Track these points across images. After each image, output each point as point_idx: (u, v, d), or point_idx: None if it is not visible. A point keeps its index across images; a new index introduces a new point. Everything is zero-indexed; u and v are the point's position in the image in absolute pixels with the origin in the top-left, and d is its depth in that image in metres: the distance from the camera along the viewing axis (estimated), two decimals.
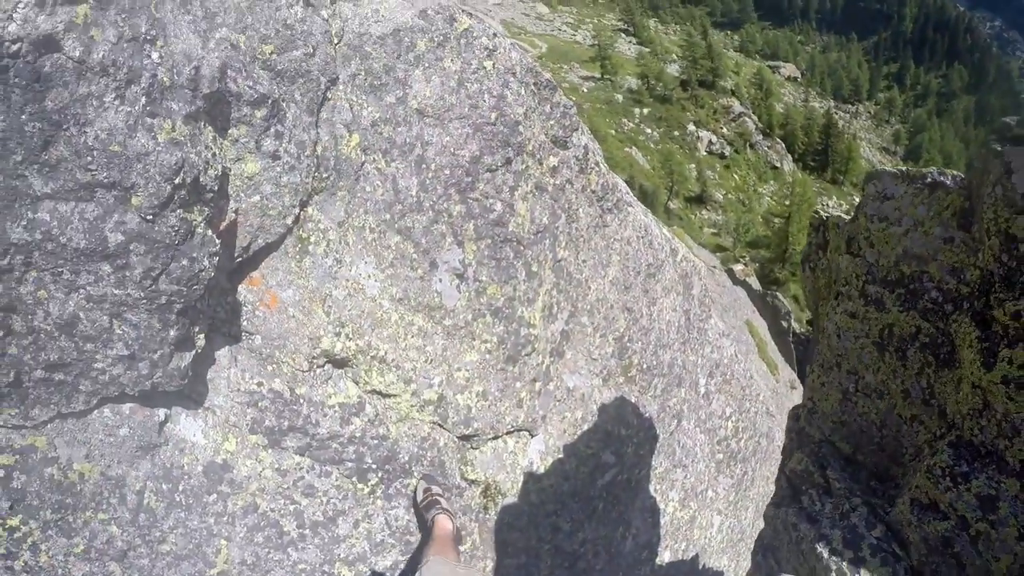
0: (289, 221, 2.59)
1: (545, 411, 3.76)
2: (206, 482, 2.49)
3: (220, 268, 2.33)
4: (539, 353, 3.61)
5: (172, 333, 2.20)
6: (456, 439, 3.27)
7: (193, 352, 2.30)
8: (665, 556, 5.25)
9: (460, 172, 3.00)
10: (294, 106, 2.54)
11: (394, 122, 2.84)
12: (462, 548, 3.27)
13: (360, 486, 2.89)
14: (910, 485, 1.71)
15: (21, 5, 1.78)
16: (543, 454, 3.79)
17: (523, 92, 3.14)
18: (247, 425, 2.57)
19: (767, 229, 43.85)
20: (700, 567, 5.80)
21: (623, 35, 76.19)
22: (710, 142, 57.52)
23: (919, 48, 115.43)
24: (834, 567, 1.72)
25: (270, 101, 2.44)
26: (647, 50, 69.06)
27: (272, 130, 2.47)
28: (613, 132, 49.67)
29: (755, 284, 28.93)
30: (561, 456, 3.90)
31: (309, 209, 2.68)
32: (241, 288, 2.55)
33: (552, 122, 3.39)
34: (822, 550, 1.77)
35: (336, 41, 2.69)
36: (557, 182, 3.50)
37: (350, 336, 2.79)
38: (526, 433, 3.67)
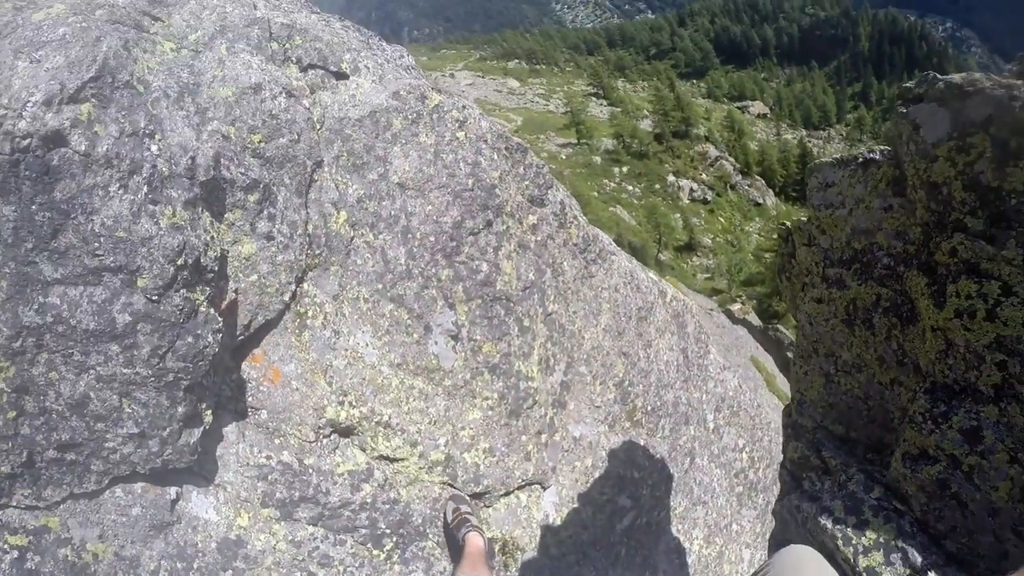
0: (286, 298, 2.71)
1: (554, 462, 3.79)
2: (220, 559, 2.52)
3: (223, 346, 2.44)
4: (541, 405, 3.67)
5: (180, 410, 2.28)
6: (468, 498, 3.29)
7: (201, 428, 2.38)
8: None
9: (444, 238, 3.16)
10: (284, 189, 2.72)
11: (378, 197, 3.01)
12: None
13: (376, 552, 2.91)
14: (899, 440, 1.76)
15: (30, 104, 1.96)
16: (558, 505, 3.79)
17: (496, 157, 3.33)
18: (258, 499, 2.62)
19: (759, 265, 44.14)
20: None
21: (594, 99, 78.81)
22: (691, 190, 58.66)
23: (878, 64, 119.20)
24: (839, 535, 1.75)
25: (261, 186, 2.62)
26: (619, 110, 71.32)
27: (265, 212, 2.64)
28: (596, 194, 50.72)
29: (755, 320, 28.98)
30: (576, 505, 3.91)
31: (305, 285, 2.81)
32: (244, 365, 2.65)
33: (527, 182, 3.57)
34: (825, 522, 1.80)
35: (318, 127, 2.90)
36: (539, 238, 3.66)
37: (353, 404, 2.87)
38: (538, 486, 3.69)
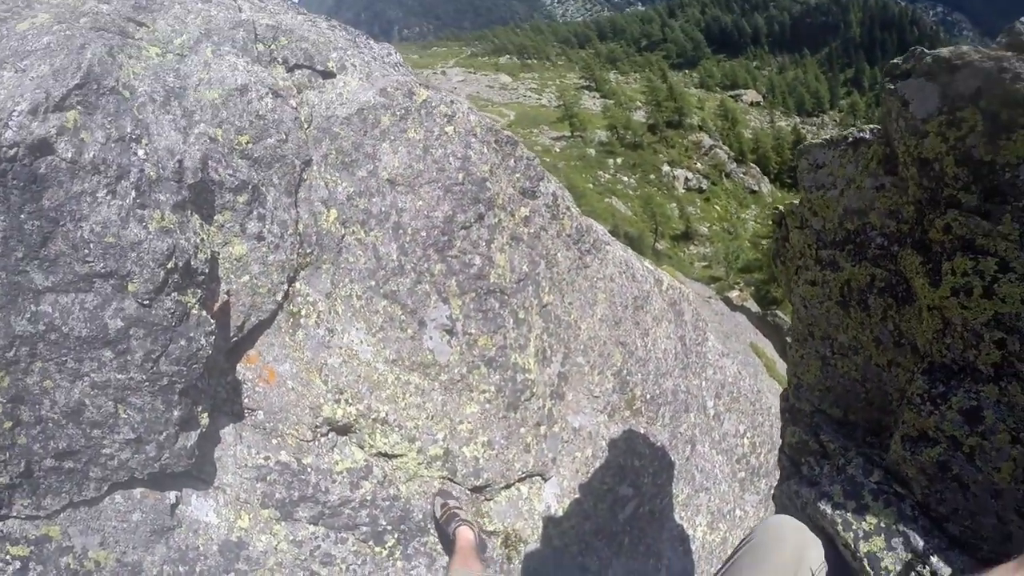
0: (279, 297, 2.71)
1: (554, 453, 3.79)
2: (223, 561, 2.52)
3: (217, 348, 2.43)
4: (539, 397, 3.67)
5: (176, 413, 2.28)
6: (468, 492, 3.29)
7: (198, 431, 2.38)
8: None
9: (436, 232, 3.15)
10: (273, 189, 2.71)
11: (368, 194, 3.00)
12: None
13: (378, 549, 2.91)
14: (898, 423, 1.73)
15: (16, 113, 1.95)
16: (559, 496, 3.80)
17: (485, 150, 3.32)
18: (258, 500, 2.62)
19: (756, 252, 44.17)
20: None
21: (586, 92, 78.70)
22: (686, 179, 58.64)
23: (870, 50, 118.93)
24: (839, 520, 1.72)
25: (250, 187, 2.61)
26: (611, 102, 71.25)
27: (255, 213, 2.63)
28: (591, 186, 50.68)
29: (753, 307, 29.00)
30: (578, 496, 3.91)
31: (297, 284, 2.81)
32: (239, 367, 2.64)
33: (518, 175, 3.56)
34: (825, 507, 1.77)
35: (306, 126, 2.88)
36: (531, 231, 3.65)
37: (350, 401, 2.87)
38: (538, 478, 3.69)
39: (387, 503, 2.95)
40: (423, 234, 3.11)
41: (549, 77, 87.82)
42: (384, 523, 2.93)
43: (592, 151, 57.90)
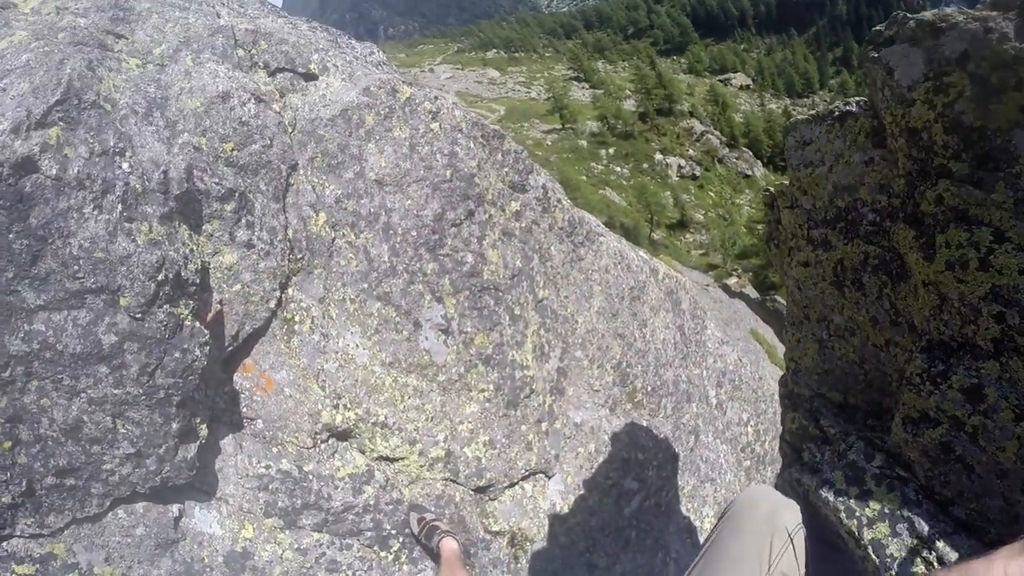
0: (272, 305, 2.68)
1: (557, 450, 3.77)
2: (228, 572, 2.49)
3: (213, 358, 2.40)
4: (539, 394, 3.65)
5: (174, 426, 2.26)
6: (472, 492, 3.27)
7: (197, 443, 2.36)
8: None
9: (427, 231, 3.12)
10: (260, 196, 2.67)
11: (356, 196, 2.97)
12: None
13: (383, 554, 2.89)
14: (899, 405, 1.69)
15: None
16: (563, 493, 3.78)
17: (472, 145, 3.29)
18: (261, 509, 2.60)
19: (752, 237, 44.16)
20: None
21: (575, 83, 78.52)
22: (679, 167, 58.62)
23: (857, 27, 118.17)
24: (842, 507, 1.68)
25: (237, 194, 2.57)
26: (601, 92, 71.04)
27: (243, 221, 2.59)
28: (584, 177, 50.62)
29: (752, 293, 29.00)
30: (583, 492, 3.89)
31: (290, 290, 2.78)
32: (236, 376, 2.62)
33: (506, 169, 3.53)
34: (827, 494, 1.73)
35: (291, 129, 2.85)
36: (523, 225, 3.62)
37: (348, 406, 2.84)
38: (542, 475, 3.67)
39: (391, 507, 2.92)
40: (414, 234, 3.08)
41: (537, 70, 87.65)
42: (388, 527, 2.91)
43: (584, 143, 57.83)
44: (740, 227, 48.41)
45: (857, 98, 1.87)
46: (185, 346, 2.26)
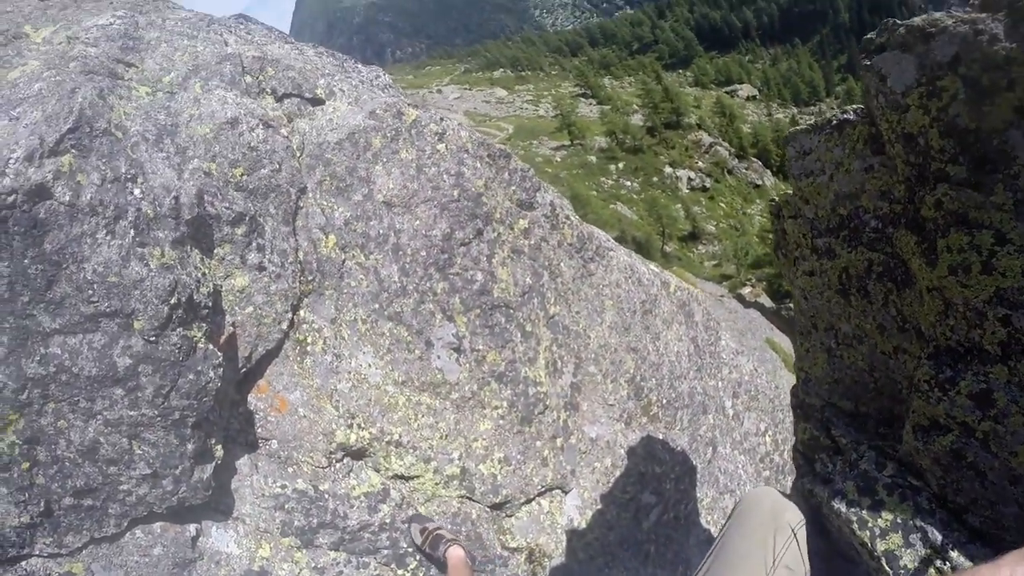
0: (284, 326, 2.71)
1: (572, 465, 3.75)
2: None
3: (227, 380, 2.44)
4: (553, 409, 3.65)
5: (190, 447, 2.29)
6: (488, 509, 3.27)
7: (213, 463, 2.38)
8: None
9: (436, 251, 3.15)
10: (270, 219, 2.72)
11: (365, 217, 3.01)
12: None
13: (400, 572, 2.89)
14: (909, 412, 1.67)
15: (12, 160, 1.98)
16: (580, 508, 3.76)
17: (479, 165, 3.33)
18: (278, 528, 2.61)
19: (765, 246, 43.90)
20: None
21: (582, 99, 78.97)
22: (689, 179, 58.59)
23: (861, 34, 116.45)
24: (854, 518, 1.66)
25: (247, 218, 2.62)
26: (608, 107, 71.41)
27: (254, 244, 2.64)
28: (595, 193, 50.70)
29: (767, 302, 28.80)
30: (600, 507, 3.87)
31: (301, 312, 2.81)
32: (250, 397, 2.65)
33: (513, 187, 3.56)
34: (839, 505, 1.70)
35: (299, 154, 2.90)
36: (532, 242, 3.64)
37: (362, 425, 2.86)
38: (558, 491, 3.66)
39: (407, 525, 2.93)
40: (423, 253, 3.11)
41: (544, 87, 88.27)
42: (405, 545, 2.91)
43: (593, 158, 58.00)
44: (752, 237, 48.18)
45: (854, 106, 1.88)
46: (199, 368, 2.30)
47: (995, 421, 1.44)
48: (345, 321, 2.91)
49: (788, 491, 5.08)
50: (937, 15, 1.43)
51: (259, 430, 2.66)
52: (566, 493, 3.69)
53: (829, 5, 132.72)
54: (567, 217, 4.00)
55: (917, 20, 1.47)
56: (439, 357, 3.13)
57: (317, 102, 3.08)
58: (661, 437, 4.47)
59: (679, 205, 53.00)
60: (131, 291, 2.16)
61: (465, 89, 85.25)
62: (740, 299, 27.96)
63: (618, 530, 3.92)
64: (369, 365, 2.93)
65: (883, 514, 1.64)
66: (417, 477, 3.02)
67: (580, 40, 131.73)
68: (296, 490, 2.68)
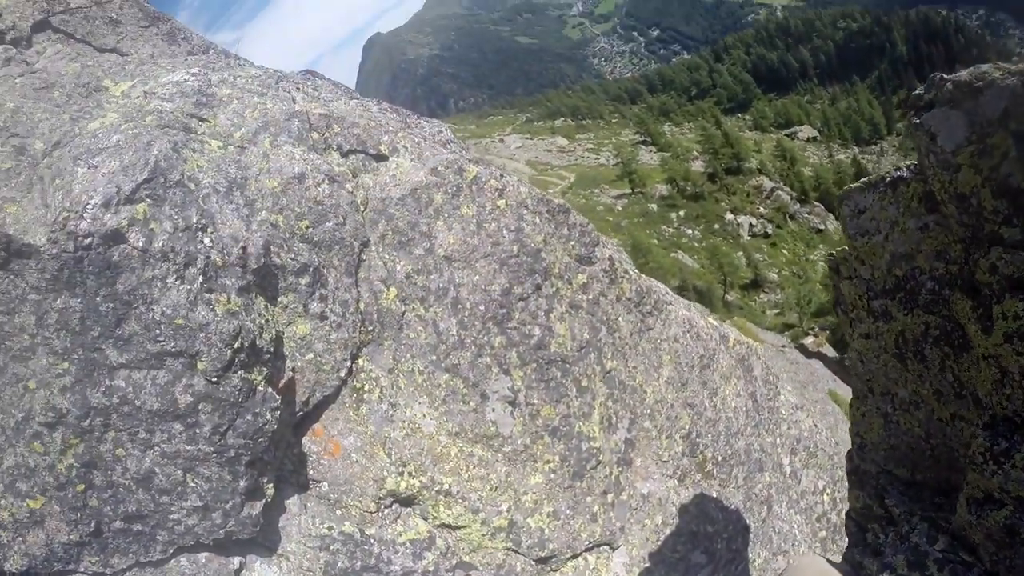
0: (343, 374, 2.81)
1: (622, 522, 3.69)
2: None
3: (284, 422, 2.54)
4: (605, 465, 3.61)
5: (242, 484, 2.38)
6: (533, 563, 3.24)
7: (263, 501, 2.47)
8: None
9: (494, 306, 3.21)
10: (334, 271, 2.85)
11: (426, 271, 3.11)
12: None
13: None
14: (964, 484, 1.59)
15: (90, 206, 2.17)
16: (628, 566, 3.67)
17: (538, 221, 3.40)
18: (320, 569, 2.66)
19: (828, 293, 42.42)
20: None
21: (643, 146, 79.34)
22: (751, 225, 57.68)
23: (919, 66, 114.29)
24: None
25: (311, 269, 2.76)
26: (668, 154, 71.37)
27: (317, 294, 2.77)
28: (656, 241, 50.49)
29: (830, 352, 27.71)
30: (648, 565, 3.77)
31: (360, 360, 2.91)
32: (305, 440, 2.74)
33: (572, 242, 3.61)
34: None
35: (362, 208, 3.04)
36: (590, 297, 3.66)
37: (413, 474, 2.90)
38: (606, 547, 3.59)
39: (450, 574, 2.93)
40: (481, 308, 3.18)
41: (605, 136, 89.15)
42: None
43: (654, 206, 57.94)
44: (815, 284, 46.68)
45: (908, 162, 1.84)
46: (257, 410, 2.41)
47: None
48: (403, 371, 2.99)
49: (842, 555, 4.82)
50: (984, 68, 1.39)
51: (311, 472, 2.74)
52: (614, 550, 3.62)
53: (885, 39, 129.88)
54: (626, 271, 4.01)
55: (964, 75, 1.44)
56: (493, 410, 3.17)
57: (381, 158, 3.23)
58: (715, 495, 4.34)
59: (740, 252, 52.12)
60: (196, 333, 2.30)
61: (527, 138, 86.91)
62: (802, 349, 27.03)
63: None
64: (424, 415, 2.99)
65: None
66: (464, 527, 3.03)
67: (639, 87, 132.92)
68: (343, 532, 2.73)
